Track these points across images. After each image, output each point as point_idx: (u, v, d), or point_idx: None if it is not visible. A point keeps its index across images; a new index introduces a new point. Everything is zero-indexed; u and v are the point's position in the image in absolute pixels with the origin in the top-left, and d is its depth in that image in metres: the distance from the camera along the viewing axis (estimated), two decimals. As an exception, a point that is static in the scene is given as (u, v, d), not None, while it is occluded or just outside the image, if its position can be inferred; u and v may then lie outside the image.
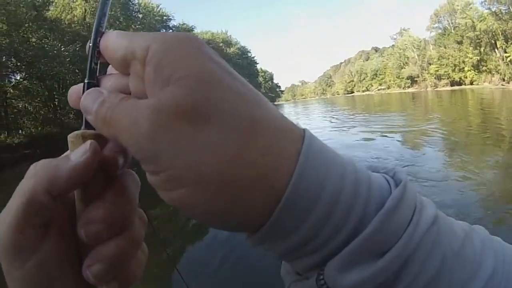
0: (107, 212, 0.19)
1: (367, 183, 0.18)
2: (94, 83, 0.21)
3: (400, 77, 55.62)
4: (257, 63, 70.83)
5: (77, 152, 0.19)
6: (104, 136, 0.19)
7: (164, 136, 0.16)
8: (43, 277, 0.19)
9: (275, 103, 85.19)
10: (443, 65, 42.69)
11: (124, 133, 0.17)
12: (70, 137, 0.20)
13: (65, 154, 0.20)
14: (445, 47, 41.75)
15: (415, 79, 51.70)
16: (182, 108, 0.16)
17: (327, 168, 0.17)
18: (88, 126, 0.20)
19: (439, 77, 45.06)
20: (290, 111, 28.21)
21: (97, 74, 0.21)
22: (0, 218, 0.18)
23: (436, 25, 43.54)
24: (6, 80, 17.51)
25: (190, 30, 36.19)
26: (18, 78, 18.05)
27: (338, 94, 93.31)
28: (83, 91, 0.20)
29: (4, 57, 15.50)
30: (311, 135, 0.18)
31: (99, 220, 0.19)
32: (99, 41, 0.20)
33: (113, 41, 0.19)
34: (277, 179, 0.16)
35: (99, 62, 0.21)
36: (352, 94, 79.40)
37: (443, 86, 43.36)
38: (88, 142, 0.19)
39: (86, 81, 0.21)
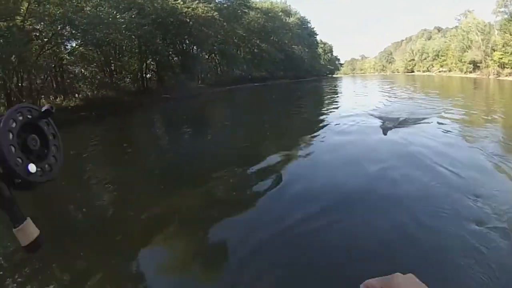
0: None
1: None
2: None
3: (462, 60, 51.92)
4: (317, 34, 68.22)
5: None
6: None
7: None
8: None
9: (334, 75, 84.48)
10: (508, 53, 39.58)
11: None
12: None
13: None
14: (510, 34, 38.39)
15: (478, 64, 48.18)
16: None
17: None
18: None
19: (502, 65, 41.81)
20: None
21: None
22: None
23: (503, 9, 39.69)
24: (62, 47, 17.50)
25: (247, -1, 35.04)
26: (74, 45, 17.74)
27: (398, 72, 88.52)
28: None
29: (59, 26, 15.23)
30: None
31: None
32: None
33: None
34: None
35: None
36: (412, 73, 75.20)
37: (506, 76, 40.37)
38: None
39: None
